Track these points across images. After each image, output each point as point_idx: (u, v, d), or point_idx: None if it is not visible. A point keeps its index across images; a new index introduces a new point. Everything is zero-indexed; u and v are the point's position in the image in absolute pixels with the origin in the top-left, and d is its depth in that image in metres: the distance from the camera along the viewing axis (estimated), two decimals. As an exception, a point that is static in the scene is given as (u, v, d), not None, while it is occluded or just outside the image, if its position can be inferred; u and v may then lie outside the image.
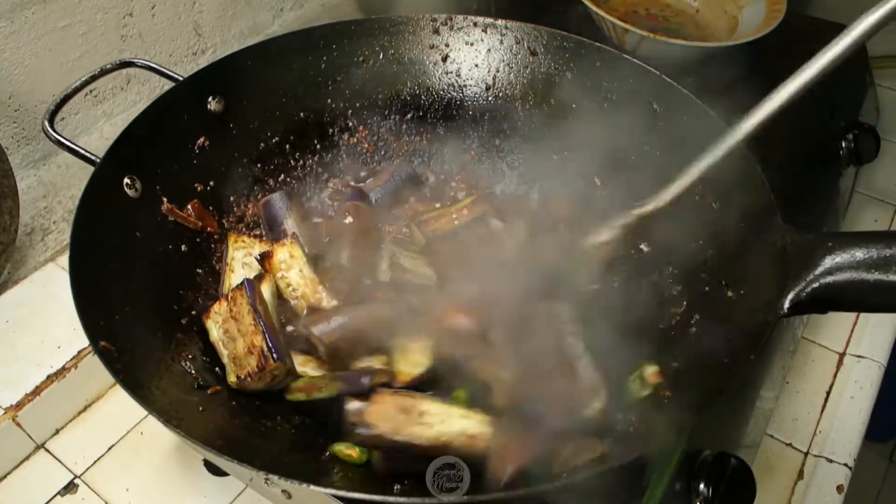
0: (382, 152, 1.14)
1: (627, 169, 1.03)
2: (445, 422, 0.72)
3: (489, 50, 1.11)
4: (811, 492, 0.98)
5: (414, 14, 1.10)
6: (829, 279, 0.71)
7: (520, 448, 0.70)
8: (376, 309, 0.85)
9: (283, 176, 1.07)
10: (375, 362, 0.82)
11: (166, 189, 0.93)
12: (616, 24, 1.24)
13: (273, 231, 0.99)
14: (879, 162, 1.36)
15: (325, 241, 1.00)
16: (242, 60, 1.02)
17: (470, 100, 1.13)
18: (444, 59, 1.12)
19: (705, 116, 0.92)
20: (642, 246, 0.98)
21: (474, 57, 1.12)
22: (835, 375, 1.11)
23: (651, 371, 0.79)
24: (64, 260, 1.09)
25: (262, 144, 1.06)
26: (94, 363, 0.99)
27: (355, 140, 1.12)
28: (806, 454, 1.02)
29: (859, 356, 1.12)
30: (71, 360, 0.99)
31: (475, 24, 1.10)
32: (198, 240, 0.95)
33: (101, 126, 1.29)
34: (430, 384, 0.81)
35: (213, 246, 0.97)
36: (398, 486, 0.67)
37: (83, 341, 0.99)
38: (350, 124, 1.12)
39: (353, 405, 0.74)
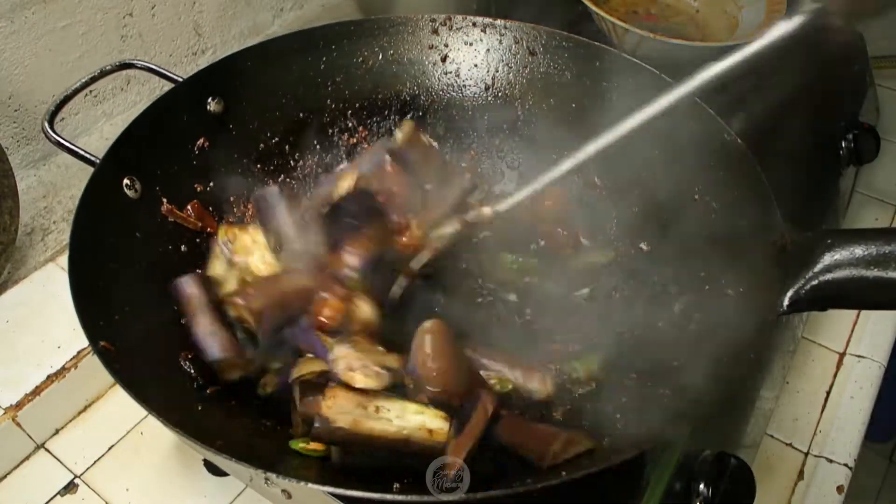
0: (382, 152, 1.14)
1: (627, 168, 1.03)
2: (402, 417, 0.72)
3: (488, 50, 1.11)
4: (811, 492, 0.97)
5: (413, 14, 1.10)
6: (829, 276, 0.71)
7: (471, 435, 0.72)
8: (297, 276, 0.86)
9: (282, 176, 1.07)
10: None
11: (166, 190, 0.93)
12: (616, 24, 1.24)
13: (265, 225, 0.99)
14: (879, 162, 1.36)
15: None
16: (242, 61, 1.02)
17: (469, 100, 1.13)
18: (444, 59, 1.12)
19: (704, 115, 0.92)
20: (642, 245, 0.98)
21: (473, 57, 1.12)
22: (835, 375, 1.11)
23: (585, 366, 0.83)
24: (64, 260, 1.09)
25: (262, 145, 1.06)
26: (94, 363, 0.99)
27: (355, 140, 1.13)
28: (806, 454, 1.02)
29: (859, 356, 1.12)
30: (71, 360, 0.99)
31: (474, 24, 1.10)
32: (197, 240, 0.95)
33: (101, 126, 1.29)
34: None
35: (212, 247, 0.97)
36: (397, 485, 0.67)
37: (83, 341, 0.99)
38: (350, 125, 1.12)
39: (307, 399, 0.75)
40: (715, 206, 0.89)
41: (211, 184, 0.99)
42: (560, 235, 0.98)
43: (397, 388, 0.77)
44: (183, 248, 0.93)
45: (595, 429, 0.77)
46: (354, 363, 0.77)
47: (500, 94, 1.12)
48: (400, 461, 0.73)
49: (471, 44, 1.12)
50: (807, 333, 1.16)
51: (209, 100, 0.99)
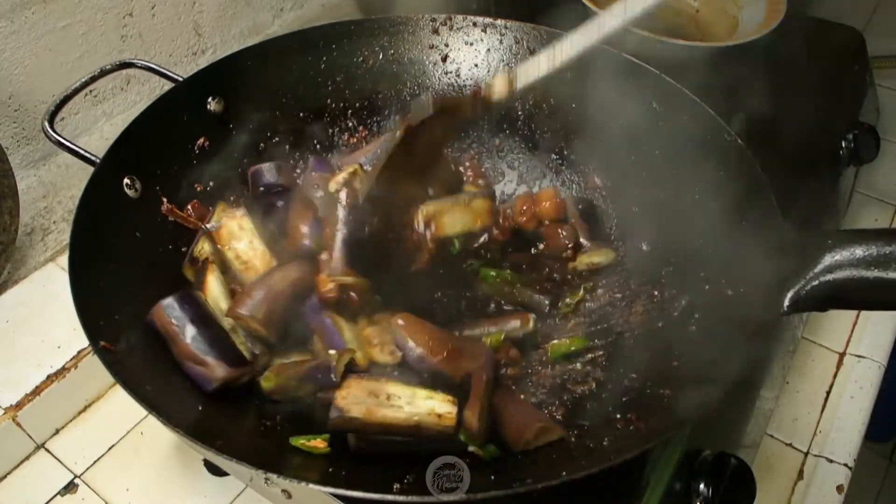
0: (382, 152, 1.14)
1: (627, 168, 1.03)
2: (413, 403, 0.74)
3: (489, 50, 1.11)
4: (811, 492, 0.97)
5: (413, 14, 1.10)
6: (829, 277, 0.71)
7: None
8: (287, 269, 0.86)
9: (282, 176, 1.07)
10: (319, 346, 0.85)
11: (166, 189, 0.93)
12: (616, 24, 1.23)
13: (258, 200, 0.99)
14: (879, 162, 1.36)
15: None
16: (242, 61, 1.02)
17: (469, 100, 1.13)
18: (444, 59, 1.12)
19: (705, 116, 0.92)
20: (642, 244, 0.98)
21: (474, 57, 1.12)
22: (835, 375, 1.11)
23: None
24: (64, 260, 1.09)
25: (262, 145, 1.06)
26: (94, 363, 0.99)
27: (355, 140, 1.12)
28: (806, 454, 1.02)
29: (859, 356, 1.12)
30: (71, 360, 0.99)
31: (474, 24, 1.10)
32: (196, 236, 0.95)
33: (101, 126, 1.29)
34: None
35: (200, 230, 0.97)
36: (398, 485, 0.67)
37: (83, 341, 0.99)
38: (350, 124, 1.12)
39: (323, 394, 0.77)
40: (715, 206, 0.89)
41: (211, 183, 0.99)
42: (560, 237, 0.98)
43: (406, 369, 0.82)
44: (183, 248, 0.93)
45: (595, 429, 0.77)
46: (374, 339, 0.84)
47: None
48: (413, 447, 0.75)
49: (471, 44, 1.12)
50: (807, 333, 1.16)
51: (209, 99, 0.99)
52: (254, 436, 0.77)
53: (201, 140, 0.98)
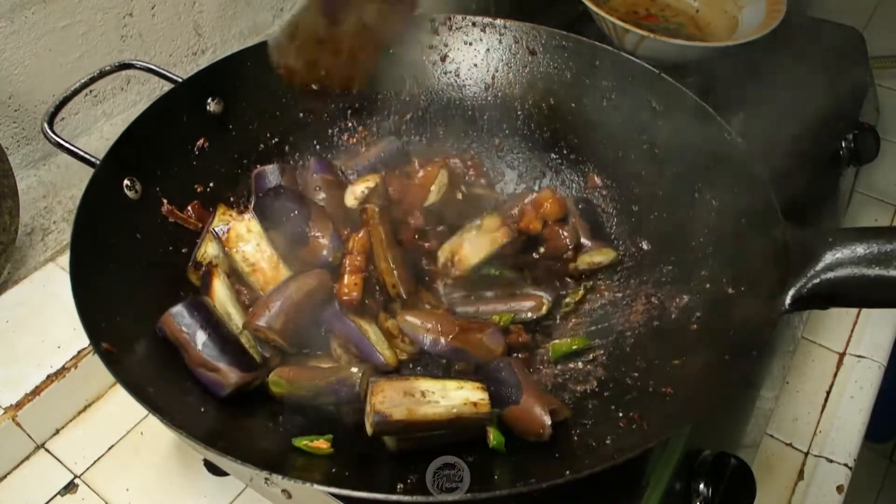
0: (382, 152, 1.14)
1: (627, 167, 1.03)
2: (447, 396, 0.75)
3: (488, 50, 1.11)
4: (811, 492, 0.97)
5: (412, 14, 1.10)
6: (830, 275, 0.71)
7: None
8: (304, 279, 0.86)
9: (282, 176, 1.07)
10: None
11: (166, 190, 0.93)
12: (616, 24, 1.24)
13: (260, 201, 0.99)
14: (879, 162, 1.36)
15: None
16: (241, 61, 1.02)
17: (469, 99, 1.13)
18: (443, 58, 1.12)
19: (705, 114, 0.92)
20: (643, 244, 0.98)
21: (473, 57, 1.12)
22: (835, 375, 1.11)
23: None
24: (64, 260, 1.09)
25: (262, 145, 1.06)
26: (94, 363, 0.99)
27: (354, 140, 1.12)
28: (806, 454, 1.02)
29: (859, 356, 1.12)
30: (71, 360, 0.99)
31: (474, 24, 1.10)
32: (198, 241, 0.95)
33: (100, 126, 1.29)
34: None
35: (205, 232, 0.97)
36: (401, 485, 0.67)
37: (83, 341, 0.99)
38: (349, 125, 1.12)
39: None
40: (715, 205, 0.89)
41: (211, 184, 0.99)
42: (562, 237, 0.98)
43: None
44: (184, 249, 0.93)
45: (597, 427, 0.77)
46: (397, 331, 0.87)
47: (499, 94, 1.12)
48: (446, 439, 0.75)
49: (470, 43, 1.12)
50: (807, 333, 1.16)
51: (209, 100, 0.99)
52: (256, 436, 0.77)
53: (201, 141, 0.98)
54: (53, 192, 1.21)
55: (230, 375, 0.77)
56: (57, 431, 0.99)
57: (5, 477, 0.95)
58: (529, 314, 0.93)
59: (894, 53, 1.56)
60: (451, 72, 1.13)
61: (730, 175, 0.88)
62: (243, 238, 0.90)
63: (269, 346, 0.85)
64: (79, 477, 0.95)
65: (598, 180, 1.06)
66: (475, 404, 0.74)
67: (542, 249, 1.01)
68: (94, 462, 0.97)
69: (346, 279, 0.86)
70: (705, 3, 1.43)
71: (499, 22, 1.10)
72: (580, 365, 0.89)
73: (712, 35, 1.38)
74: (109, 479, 0.95)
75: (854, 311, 1.19)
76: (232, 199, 1.02)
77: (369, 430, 0.74)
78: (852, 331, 1.16)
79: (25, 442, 0.96)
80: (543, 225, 0.99)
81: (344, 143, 1.12)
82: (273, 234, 0.92)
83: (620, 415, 0.77)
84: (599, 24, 1.30)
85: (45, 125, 0.90)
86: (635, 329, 0.91)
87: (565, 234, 0.98)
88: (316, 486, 0.63)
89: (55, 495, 0.93)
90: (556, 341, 0.91)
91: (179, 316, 0.80)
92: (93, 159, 0.87)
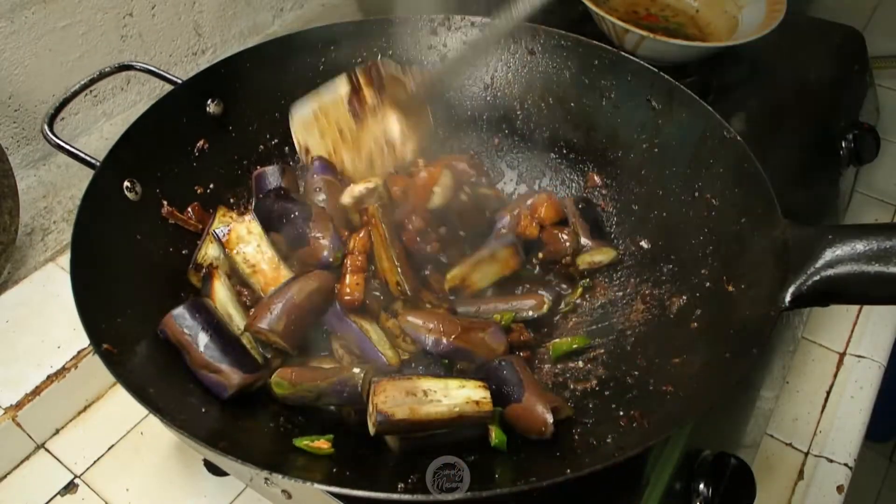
0: (382, 152, 1.14)
1: (627, 167, 1.03)
2: (449, 395, 0.75)
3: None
4: (811, 492, 0.97)
5: (412, 15, 1.10)
6: (830, 272, 0.71)
7: None
8: (305, 280, 0.86)
9: (282, 176, 1.07)
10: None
11: (166, 192, 0.93)
12: (616, 24, 1.24)
13: (261, 203, 0.99)
14: (879, 162, 1.36)
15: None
16: (241, 62, 1.02)
17: (468, 99, 1.13)
18: (443, 59, 1.12)
19: (704, 113, 0.92)
20: (643, 243, 0.98)
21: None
22: (835, 375, 1.11)
23: None
24: (64, 260, 1.09)
25: (262, 147, 1.06)
26: (94, 363, 0.99)
27: (355, 140, 1.12)
28: (806, 454, 1.02)
29: (859, 356, 1.12)
30: (71, 360, 0.99)
31: (472, 24, 1.10)
32: (198, 242, 0.95)
33: (101, 126, 1.29)
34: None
35: (205, 234, 0.97)
36: (402, 485, 0.67)
37: (83, 341, 0.99)
38: (349, 125, 1.12)
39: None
40: (715, 204, 0.89)
41: (211, 185, 0.99)
42: (560, 241, 0.98)
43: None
44: (184, 250, 0.93)
45: (598, 426, 0.77)
46: (398, 331, 0.87)
47: (499, 94, 1.12)
48: (448, 437, 0.75)
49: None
50: (807, 333, 1.16)
51: (208, 101, 0.99)
52: (257, 436, 0.77)
53: (201, 142, 0.98)
54: (53, 192, 1.21)
55: (233, 377, 0.77)
56: (57, 431, 0.99)
57: (5, 477, 0.95)
58: (531, 313, 0.93)
59: (894, 53, 1.56)
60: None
61: (730, 174, 0.88)
62: (244, 239, 0.90)
63: (270, 348, 0.85)
64: (79, 477, 0.95)
65: (597, 180, 1.06)
66: (477, 403, 0.74)
67: (540, 255, 1.00)
68: (94, 462, 0.97)
69: (347, 279, 0.86)
70: (705, 3, 1.43)
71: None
72: (581, 363, 0.89)
73: (712, 35, 1.38)
74: (109, 479, 0.95)
75: (854, 310, 1.19)
76: (232, 200, 1.02)
77: (372, 429, 0.74)
78: (852, 331, 1.16)
79: (25, 442, 0.96)
80: (540, 229, 0.99)
81: (344, 144, 1.12)
82: (274, 235, 0.92)
83: (621, 413, 0.77)
84: (599, 24, 1.30)
85: (45, 127, 0.90)
86: (636, 328, 0.91)
87: (564, 237, 0.98)
88: (316, 485, 0.63)
89: (55, 495, 0.93)
90: (557, 340, 0.91)
91: (181, 318, 0.80)
92: (93, 161, 0.87)
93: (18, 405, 0.94)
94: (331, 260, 0.88)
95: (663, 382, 0.78)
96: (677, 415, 0.73)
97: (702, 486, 0.82)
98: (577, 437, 0.76)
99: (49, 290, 1.07)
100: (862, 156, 1.28)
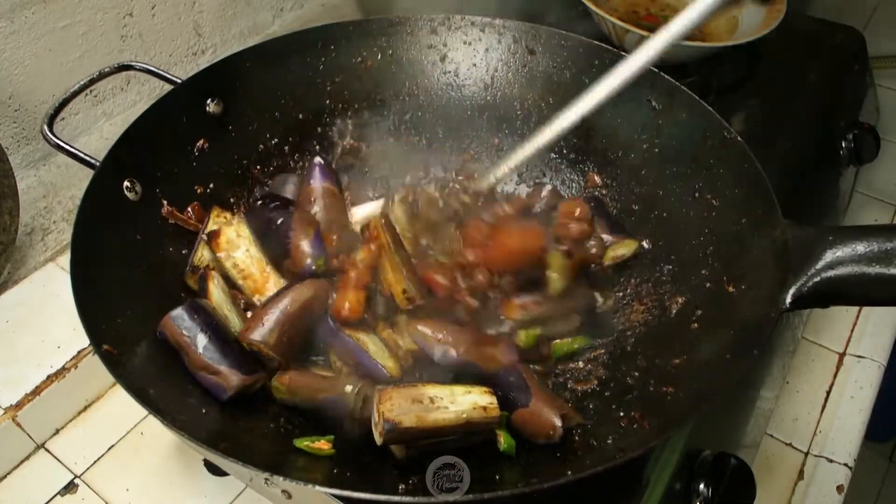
0: (382, 153, 1.14)
1: (627, 167, 1.03)
2: (455, 401, 0.74)
3: (487, 49, 1.11)
4: (811, 492, 0.98)
5: (411, 14, 1.10)
6: (831, 273, 0.71)
7: None
8: (300, 289, 0.84)
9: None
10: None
11: (166, 192, 0.93)
12: (616, 24, 1.24)
13: (257, 209, 0.98)
14: (879, 162, 1.36)
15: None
16: (241, 62, 1.02)
17: (468, 99, 1.13)
18: (443, 58, 1.12)
19: (705, 113, 0.92)
20: (643, 243, 0.98)
21: (472, 56, 1.12)
22: (835, 375, 1.11)
23: None
24: (64, 260, 1.09)
25: (262, 146, 1.06)
26: (94, 363, 0.99)
27: (354, 141, 1.12)
28: (806, 454, 1.02)
29: (859, 356, 1.13)
30: (71, 360, 0.99)
31: (473, 24, 1.10)
32: (195, 244, 0.95)
33: (100, 126, 1.29)
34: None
35: (199, 236, 0.97)
36: (403, 486, 0.67)
37: (83, 341, 0.99)
38: (350, 126, 1.12)
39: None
40: (715, 204, 0.89)
41: (211, 185, 0.99)
42: (588, 245, 0.95)
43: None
44: (184, 250, 0.93)
45: (599, 427, 0.77)
46: (397, 341, 0.85)
47: (499, 94, 1.12)
48: (455, 443, 0.74)
49: (469, 43, 1.12)
50: (807, 333, 1.16)
51: (208, 101, 0.99)
52: (257, 437, 0.77)
53: (201, 142, 0.98)
54: (53, 192, 1.21)
55: (232, 379, 0.77)
56: (57, 431, 0.99)
57: (5, 477, 0.95)
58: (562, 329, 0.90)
59: (894, 53, 1.56)
60: (450, 72, 1.13)
61: (730, 174, 0.88)
62: (233, 243, 0.90)
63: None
64: (79, 477, 0.95)
65: (597, 179, 1.06)
66: (484, 408, 0.74)
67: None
68: (94, 462, 0.97)
69: (347, 295, 0.83)
70: (705, 3, 1.43)
71: (498, 22, 1.10)
72: (581, 364, 0.89)
73: (712, 35, 1.38)
74: (109, 479, 0.95)
75: (854, 311, 1.19)
76: (232, 200, 1.02)
77: (378, 439, 0.73)
78: (852, 331, 1.16)
79: (25, 442, 0.96)
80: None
81: (344, 144, 1.12)
82: (266, 242, 0.91)
83: (621, 414, 0.77)
84: (599, 23, 1.30)
85: (45, 127, 0.90)
86: (636, 328, 0.91)
87: (592, 242, 0.96)
88: (317, 486, 0.63)
89: (55, 495, 0.93)
90: (557, 341, 0.91)
91: (179, 319, 0.79)
92: (93, 161, 0.87)
93: (18, 405, 0.94)
94: (314, 268, 0.86)
95: (664, 383, 0.78)
96: (678, 415, 0.73)
97: (702, 486, 0.82)
98: (577, 438, 0.76)
99: (49, 290, 1.07)
100: (862, 156, 1.28)
